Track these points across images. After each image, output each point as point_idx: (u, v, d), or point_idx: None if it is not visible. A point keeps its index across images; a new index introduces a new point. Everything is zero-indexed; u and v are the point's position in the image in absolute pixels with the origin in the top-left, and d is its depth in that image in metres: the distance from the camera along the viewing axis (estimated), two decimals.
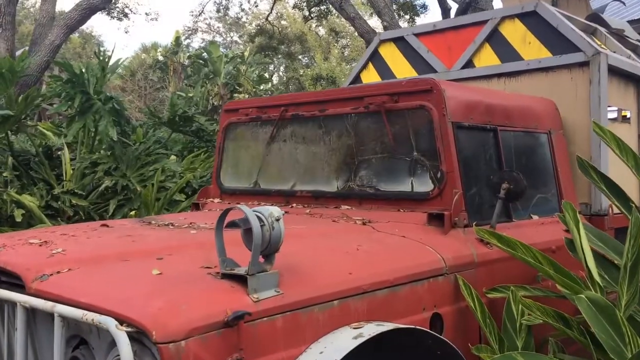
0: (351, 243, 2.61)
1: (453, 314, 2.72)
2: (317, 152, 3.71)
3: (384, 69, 5.30)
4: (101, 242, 2.56)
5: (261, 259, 2.04)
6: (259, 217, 1.99)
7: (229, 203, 4.01)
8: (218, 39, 40.48)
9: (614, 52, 4.90)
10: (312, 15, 24.25)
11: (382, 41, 5.31)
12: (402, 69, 5.19)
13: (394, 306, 2.43)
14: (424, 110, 3.22)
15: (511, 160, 3.60)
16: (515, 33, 4.59)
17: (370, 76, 5.41)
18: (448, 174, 3.12)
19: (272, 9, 28.06)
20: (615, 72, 4.49)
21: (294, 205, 3.68)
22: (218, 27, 40.62)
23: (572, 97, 4.28)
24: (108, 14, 20.86)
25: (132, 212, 5.14)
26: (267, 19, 29.41)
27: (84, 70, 5.84)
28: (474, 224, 3.05)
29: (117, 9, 20.87)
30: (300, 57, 36.73)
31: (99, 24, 54.70)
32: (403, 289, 2.48)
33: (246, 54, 30.90)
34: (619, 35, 5.32)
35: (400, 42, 5.20)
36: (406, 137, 3.32)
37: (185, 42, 39.92)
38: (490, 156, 3.43)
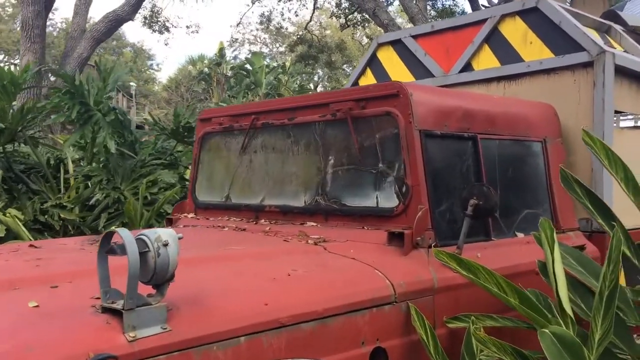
0: (286, 267, 2.35)
1: (402, 348, 2.43)
2: (286, 163, 3.47)
3: (381, 74, 5.03)
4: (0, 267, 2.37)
5: (152, 290, 1.81)
6: (144, 242, 1.76)
7: (204, 218, 3.81)
8: (265, 49, 40.81)
9: (629, 51, 4.49)
10: (348, 23, 24.05)
11: (380, 45, 5.03)
12: (400, 74, 4.90)
13: (324, 341, 2.16)
14: (390, 117, 2.93)
15: (494, 171, 3.27)
16: (516, 32, 4.24)
17: (368, 82, 5.13)
18: (413, 188, 2.83)
19: (311, 17, 28.01)
20: (626, 73, 4.09)
21: (263, 221, 3.45)
22: (264, 38, 40.95)
23: (575, 101, 3.91)
24: (150, 27, 21.11)
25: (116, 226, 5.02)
26: (306, 28, 29.39)
27: (83, 81, 5.76)
28: (434, 245, 2.74)
29: (159, 23, 21.07)
30: (344, 66, 36.54)
31: (149, 37, 56.02)
32: (336, 320, 2.20)
33: (288, 64, 30.96)
34: (638, 34, 4.89)
35: (398, 45, 4.91)
36: (373, 146, 3.04)
37: (232, 54, 40.45)
38: (468, 167, 3.11)
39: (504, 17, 4.27)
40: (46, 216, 5.20)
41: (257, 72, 27.52)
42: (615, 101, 4.00)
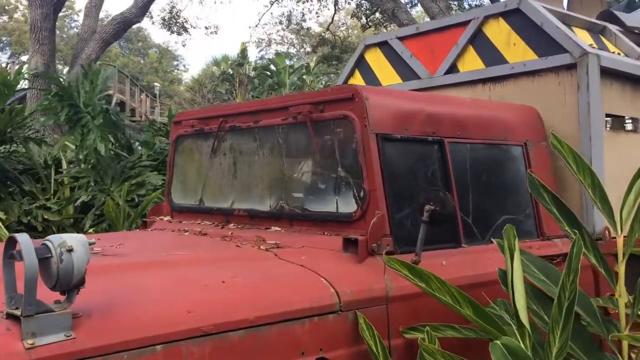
0: (224, 274, 2.28)
1: (348, 358, 2.33)
2: (252, 167, 3.40)
3: (369, 76, 4.93)
4: None
5: (61, 297, 1.75)
6: (47, 248, 1.71)
7: (177, 222, 3.76)
8: (292, 50, 40.89)
9: (625, 52, 4.33)
10: (369, 23, 23.95)
11: (368, 46, 4.94)
12: (387, 76, 4.80)
13: (256, 350, 2.08)
14: (347, 121, 2.85)
15: (465, 177, 3.16)
16: (500, 34, 4.12)
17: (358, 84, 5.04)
18: (371, 193, 2.74)
19: (332, 18, 27.98)
20: (617, 75, 3.94)
21: (231, 225, 3.39)
22: (291, 38, 41.04)
23: (561, 104, 3.77)
24: (168, 29, 21.27)
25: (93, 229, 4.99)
26: (328, 29, 29.36)
27: (73, 83, 5.77)
28: (393, 252, 2.65)
29: (178, 24, 21.22)
30: None
31: (176, 39, 56.55)
32: (270, 329, 2.12)
33: (312, 64, 30.95)
34: (638, 34, 4.72)
35: (385, 46, 4.81)
36: (332, 150, 2.96)
37: (259, 54, 40.58)
38: (434, 172, 3.00)
39: (487, 18, 4.15)
40: (29, 217, 5.22)
41: (281, 72, 27.59)
42: (605, 104, 3.85)
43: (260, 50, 41.78)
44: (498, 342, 2.18)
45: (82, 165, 5.75)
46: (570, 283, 2.26)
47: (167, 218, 3.86)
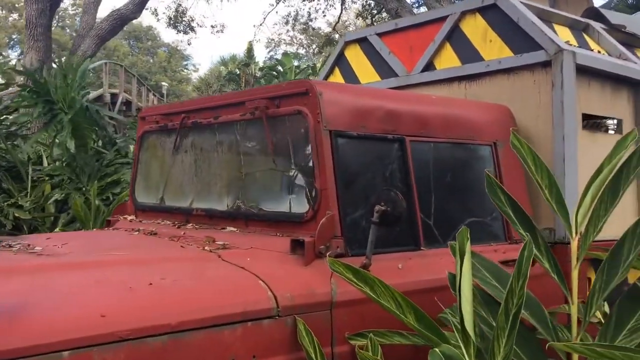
0: (154, 276, 2.18)
1: None
2: (212, 164, 3.31)
3: (349, 74, 4.83)
4: None
5: None
6: None
7: (138, 221, 3.68)
8: (301, 50, 40.78)
9: (608, 50, 4.20)
10: (375, 23, 23.84)
11: (347, 43, 4.83)
12: (366, 73, 4.70)
13: (179, 357, 1.98)
14: (300, 117, 2.75)
15: (427, 177, 3.05)
16: (476, 30, 4.00)
17: (337, 82, 4.94)
18: (322, 193, 2.63)
19: (339, 18, 27.85)
20: (596, 74, 3.81)
21: (189, 225, 3.30)
22: (300, 39, 40.93)
23: (536, 103, 3.65)
24: (174, 27, 21.23)
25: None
26: (334, 28, 29.24)
27: (50, 79, 5.70)
28: (343, 254, 2.54)
29: (184, 23, 21.19)
30: None
31: (183, 38, 56.59)
32: (195, 334, 2.02)
33: (318, 64, 30.90)
34: (624, 33, 4.58)
35: (364, 43, 4.71)
36: (287, 147, 2.86)
37: (268, 55, 40.47)
38: (393, 172, 2.89)
39: (464, 14, 4.03)
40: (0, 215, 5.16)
41: (287, 72, 27.56)
42: (582, 104, 3.73)
43: (270, 51, 41.73)
44: (437, 350, 2.07)
45: (57, 163, 5.68)
46: (519, 288, 2.14)
47: (131, 217, 3.78)
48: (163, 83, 39.08)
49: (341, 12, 26.62)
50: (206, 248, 2.61)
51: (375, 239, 2.52)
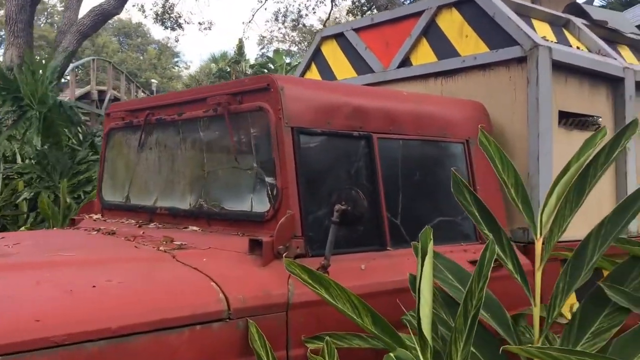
0: (99, 277, 2.09)
1: None
2: (176, 162, 3.22)
3: (325, 70, 4.74)
4: None
5: None
6: None
7: (102, 220, 3.58)
8: (294, 48, 40.59)
9: (588, 46, 4.12)
10: None
11: (324, 38, 4.74)
12: (343, 69, 4.61)
13: None
14: (262, 113, 2.66)
15: (395, 175, 2.96)
16: (452, 25, 3.92)
17: (314, 78, 4.85)
18: (283, 191, 2.55)
19: (329, 14, 27.75)
20: (574, 70, 3.74)
21: (152, 224, 3.20)
22: (292, 36, 40.75)
23: (511, 99, 3.57)
24: (162, 24, 21.08)
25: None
26: (324, 25, 29.14)
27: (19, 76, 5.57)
28: (284, 255, 2.44)
29: (171, 20, 21.03)
30: None
31: (173, 35, 56.20)
32: (138, 339, 1.93)
33: None
34: (606, 29, 4.50)
35: (341, 38, 4.62)
36: (249, 144, 2.77)
37: (260, 52, 40.27)
38: (359, 170, 2.81)
39: (440, 8, 3.95)
40: None
41: (278, 70, 27.47)
42: (559, 100, 3.65)
43: (262, 48, 41.57)
44: (392, 354, 1.99)
45: (27, 161, 5.57)
46: (478, 290, 2.06)
47: (97, 216, 3.68)
48: (153, 80, 38.86)
49: (331, 9, 26.54)
50: (161, 248, 2.52)
51: (335, 239, 2.44)
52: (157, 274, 2.21)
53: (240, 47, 34.36)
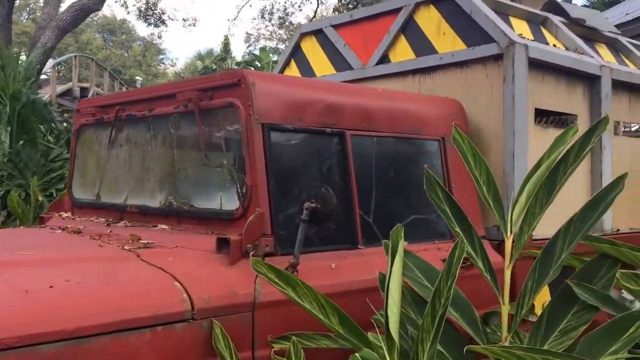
0: (58, 277, 2.03)
1: None
2: (146, 159, 3.16)
3: (305, 67, 4.70)
4: None
5: None
6: None
7: (71, 218, 3.51)
8: (281, 46, 40.43)
9: (565, 44, 4.12)
10: None
11: (303, 34, 4.70)
12: (322, 66, 4.57)
13: None
14: (232, 109, 2.61)
15: (369, 173, 2.93)
16: (430, 22, 3.89)
17: (293, 75, 4.81)
18: (252, 189, 2.50)
19: (315, 12, 27.72)
20: (551, 68, 3.73)
21: (121, 223, 3.14)
22: (280, 34, 40.60)
23: (487, 97, 3.55)
24: (145, 20, 20.91)
25: None
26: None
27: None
28: (248, 254, 2.39)
29: (155, 16, 20.87)
30: None
31: (155, 30, 55.77)
32: (97, 341, 1.88)
33: None
34: (584, 27, 4.50)
35: (320, 35, 4.58)
36: (219, 141, 2.73)
37: (247, 50, 40.06)
38: (331, 167, 2.77)
39: (418, 5, 3.92)
40: None
41: (264, 67, 27.35)
42: (535, 98, 3.64)
43: (249, 46, 41.40)
44: (357, 355, 1.95)
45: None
46: (447, 289, 2.03)
47: (67, 214, 3.61)
48: (137, 77, 38.57)
49: (317, 7, 26.50)
50: (126, 247, 2.47)
51: (304, 237, 2.40)
52: (119, 274, 2.16)
53: (226, 45, 34.19)
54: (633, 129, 5.59)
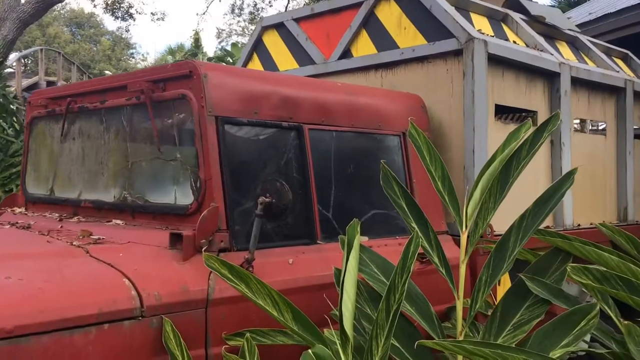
0: (0, 274, 1.96)
1: None
2: (99, 153, 3.08)
3: (267, 61, 4.64)
4: None
5: None
6: None
7: (22, 214, 3.41)
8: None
9: (525, 41, 4.14)
10: None
11: (265, 28, 4.64)
12: (284, 60, 4.53)
13: None
14: (185, 101, 2.55)
15: (327, 167, 2.90)
16: (391, 17, 3.88)
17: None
18: (206, 183, 2.45)
19: (287, 7, 27.59)
20: (511, 65, 3.75)
21: (75, 218, 3.06)
22: (251, 29, 40.27)
23: (448, 93, 3.55)
24: (112, 14, 20.56)
25: None
26: None
27: None
28: (203, 249, 2.34)
29: (122, 9, 20.54)
30: None
31: (132, 27, 54.96)
32: (38, 339, 1.81)
33: None
34: (544, 24, 4.54)
35: (282, 29, 4.53)
36: (172, 134, 2.66)
37: (219, 45, 39.64)
38: (288, 162, 2.73)
39: (379, 0, 3.90)
40: None
41: (235, 63, 27.15)
42: (495, 94, 3.65)
43: (221, 42, 41.01)
44: (310, 351, 1.92)
45: None
46: (402, 284, 2.02)
47: (20, 209, 3.51)
48: (107, 72, 37.88)
49: (288, 2, 26.39)
50: (75, 243, 2.39)
51: (259, 232, 2.35)
52: (65, 270, 2.08)
53: (196, 39, 33.85)
54: (601, 127, 5.64)
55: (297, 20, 4.39)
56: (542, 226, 2.22)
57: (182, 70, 2.53)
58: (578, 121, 4.70)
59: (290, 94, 2.78)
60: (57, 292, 1.93)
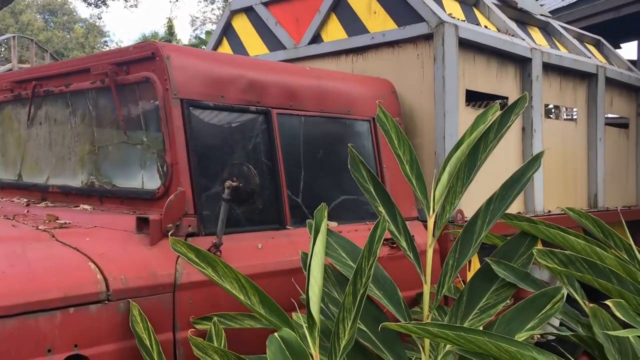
0: None
1: (114, 355, 2.02)
2: (66, 137, 3.02)
3: (237, 46, 4.59)
4: None
5: None
6: None
7: None
8: None
9: (497, 26, 4.15)
10: None
11: (234, 12, 4.58)
12: (254, 45, 4.47)
13: None
14: (149, 84, 2.51)
15: (296, 152, 2.88)
16: (361, 1, 3.85)
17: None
18: (173, 167, 2.42)
19: None
20: (481, 49, 3.75)
21: (42, 203, 3.00)
22: None
23: (419, 77, 3.55)
24: (85, 0, 20.17)
25: None
26: None
27: None
28: (170, 234, 2.31)
29: None
30: None
31: (105, 14, 54.09)
32: (1, 324, 1.78)
33: None
34: (516, 9, 4.55)
35: (251, 13, 4.47)
36: (137, 118, 2.62)
37: (194, 33, 39.18)
38: (256, 146, 2.71)
39: None
40: None
41: None
42: (467, 79, 3.66)
43: (195, 29, 40.57)
44: (276, 335, 1.91)
45: None
46: (368, 268, 2.01)
47: None
48: None
49: None
50: (40, 227, 2.35)
51: (226, 217, 2.33)
52: (30, 254, 2.04)
53: (170, 27, 33.46)
54: (575, 116, 5.69)
55: (266, 4, 4.34)
56: (514, 213, 2.24)
57: (145, 52, 2.49)
58: (553, 109, 4.75)
59: (258, 77, 2.75)
60: (22, 276, 1.90)
